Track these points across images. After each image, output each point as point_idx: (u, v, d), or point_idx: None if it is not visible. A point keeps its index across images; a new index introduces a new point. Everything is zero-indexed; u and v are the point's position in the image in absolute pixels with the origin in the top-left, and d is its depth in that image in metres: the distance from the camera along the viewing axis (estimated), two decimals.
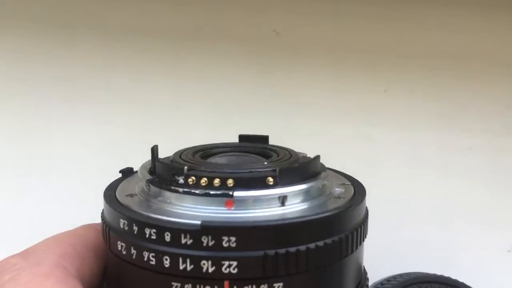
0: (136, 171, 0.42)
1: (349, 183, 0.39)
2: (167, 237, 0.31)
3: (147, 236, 0.32)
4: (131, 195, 0.36)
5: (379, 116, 0.59)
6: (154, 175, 0.36)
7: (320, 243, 0.32)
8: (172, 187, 0.34)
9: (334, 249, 0.33)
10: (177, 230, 0.31)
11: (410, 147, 0.59)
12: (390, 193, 0.58)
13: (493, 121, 0.59)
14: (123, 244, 0.33)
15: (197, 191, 0.33)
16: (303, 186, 0.34)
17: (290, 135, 0.51)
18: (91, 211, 0.46)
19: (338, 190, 0.37)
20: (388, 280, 0.50)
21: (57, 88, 0.60)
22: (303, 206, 0.34)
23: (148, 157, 0.39)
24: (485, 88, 0.58)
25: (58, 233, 0.40)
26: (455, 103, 0.58)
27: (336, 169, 0.43)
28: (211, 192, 0.33)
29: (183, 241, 0.31)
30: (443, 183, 0.60)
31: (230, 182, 0.33)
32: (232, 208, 0.33)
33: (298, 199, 0.34)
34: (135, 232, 0.32)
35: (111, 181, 0.40)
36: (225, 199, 0.33)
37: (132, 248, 0.33)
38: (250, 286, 0.30)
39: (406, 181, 0.60)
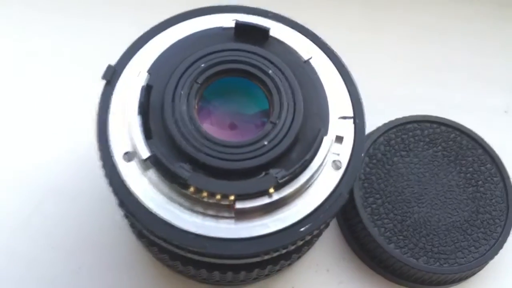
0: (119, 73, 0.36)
1: (351, 116, 0.36)
2: None
3: None
4: (128, 156, 0.34)
5: None
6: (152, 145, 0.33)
7: None
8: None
9: None
10: None
11: (410, 14, 0.59)
12: (389, 54, 0.57)
13: None
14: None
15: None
16: (302, 182, 0.33)
17: None
18: None
19: (335, 149, 0.35)
20: (377, 127, 0.50)
21: None
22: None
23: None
24: None
25: None
26: None
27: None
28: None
29: None
30: (442, 46, 0.58)
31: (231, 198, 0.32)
32: None
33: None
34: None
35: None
36: None
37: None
38: None
39: (405, 44, 0.58)
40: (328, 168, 0.35)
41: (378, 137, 0.49)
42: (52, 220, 0.47)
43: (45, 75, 0.53)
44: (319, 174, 0.34)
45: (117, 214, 0.43)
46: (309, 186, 0.34)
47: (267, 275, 0.42)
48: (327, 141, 0.34)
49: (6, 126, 0.51)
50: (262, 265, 0.37)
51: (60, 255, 0.45)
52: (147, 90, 0.34)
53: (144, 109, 0.34)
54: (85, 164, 0.47)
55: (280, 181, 0.32)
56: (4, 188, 0.48)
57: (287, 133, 0.34)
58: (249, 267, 0.37)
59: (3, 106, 0.52)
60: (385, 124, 0.49)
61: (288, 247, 0.34)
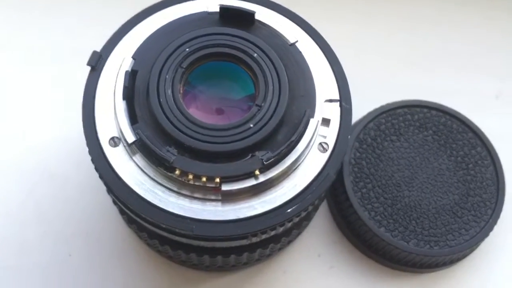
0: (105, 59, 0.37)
1: (337, 99, 0.36)
2: None
3: None
4: (114, 141, 0.34)
5: None
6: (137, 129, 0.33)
7: None
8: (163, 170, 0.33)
9: None
10: None
11: (401, 2, 0.59)
12: (380, 40, 0.57)
13: None
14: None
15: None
16: (288, 163, 0.33)
17: None
18: None
19: (321, 132, 0.35)
20: (368, 112, 0.50)
21: None
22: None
23: None
24: None
25: None
26: None
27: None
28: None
29: None
30: (433, 33, 0.58)
31: (217, 180, 0.32)
32: None
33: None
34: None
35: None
36: None
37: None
38: None
39: (396, 30, 0.58)
40: (314, 150, 0.35)
41: (369, 122, 0.49)
42: (44, 207, 0.47)
43: (36, 62, 0.53)
44: (305, 156, 0.35)
45: (109, 200, 0.43)
46: (295, 168, 0.34)
47: (258, 260, 0.42)
48: (313, 123, 0.34)
49: None
50: (251, 248, 0.38)
51: (51, 242, 0.46)
52: (132, 75, 0.34)
53: (129, 94, 0.34)
54: (78, 151, 0.47)
55: (266, 163, 0.32)
56: None
57: (272, 115, 0.34)
58: (239, 251, 0.38)
59: None
60: (375, 109, 0.49)
61: (276, 228, 0.35)
